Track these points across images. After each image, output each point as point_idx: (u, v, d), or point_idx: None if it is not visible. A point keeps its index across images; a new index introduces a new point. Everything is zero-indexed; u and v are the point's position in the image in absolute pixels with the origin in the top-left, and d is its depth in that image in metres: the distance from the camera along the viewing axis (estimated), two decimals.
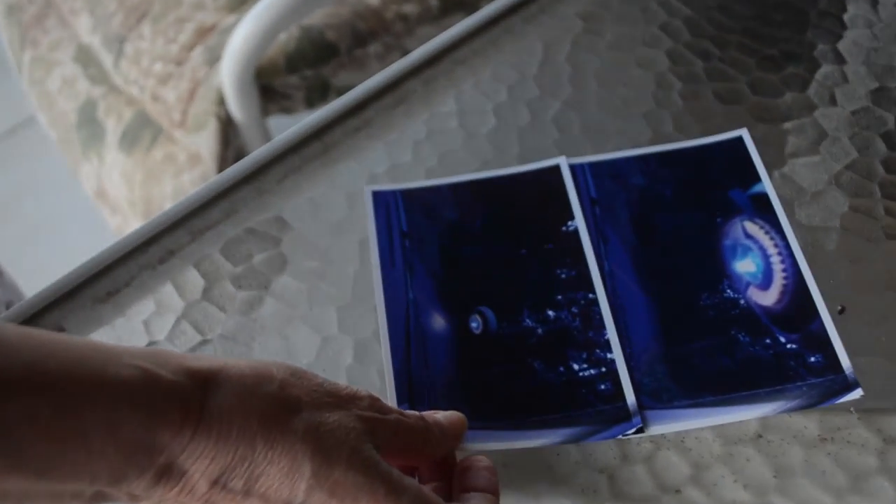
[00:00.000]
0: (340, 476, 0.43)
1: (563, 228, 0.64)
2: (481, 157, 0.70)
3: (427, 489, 0.47)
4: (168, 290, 0.65)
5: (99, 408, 0.39)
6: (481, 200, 0.67)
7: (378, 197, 0.67)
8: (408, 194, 0.67)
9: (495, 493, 0.49)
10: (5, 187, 1.89)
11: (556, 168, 0.67)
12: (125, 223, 1.30)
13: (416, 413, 0.50)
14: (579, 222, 0.64)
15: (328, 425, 0.44)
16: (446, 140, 0.71)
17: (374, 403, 0.48)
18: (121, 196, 1.26)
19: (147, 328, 0.63)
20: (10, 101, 2.06)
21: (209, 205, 0.69)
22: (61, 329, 0.64)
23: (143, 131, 1.22)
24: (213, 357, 0.45)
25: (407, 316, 0.61)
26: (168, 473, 0.41)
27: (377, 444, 0.45)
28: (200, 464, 0.41)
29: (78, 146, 1.31)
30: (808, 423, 0.55)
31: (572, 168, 0.67)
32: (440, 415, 0.52)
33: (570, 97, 0.73)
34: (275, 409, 0.43)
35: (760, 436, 0.55)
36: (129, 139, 1.23)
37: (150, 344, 0.63)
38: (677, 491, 0.54)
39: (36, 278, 0.99)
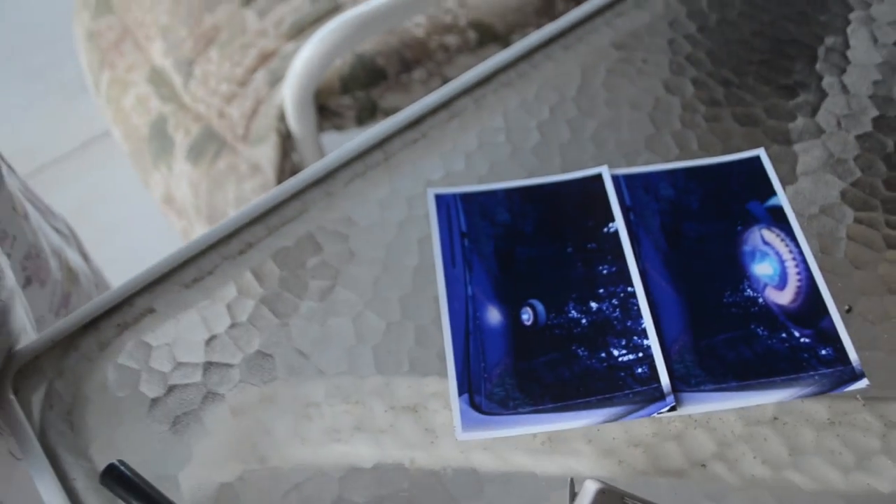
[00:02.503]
0: None
1: (605, 230, 0.64)
2: (527, 168, 0.70)
3: None
4: (248, 278, 0.65)
5: None
6: (532, 204, 0.67)
7: (440, 199, 0.67)
8: (466, 197, 0.67)
9: None
10: (79, 195, 1.90)
11: (599, 176, 0.67)
12: (190, 226, 1.30)
13: None
14: (619, 224, 0.64)
15: None
16: (495, 152, 0.71)
17: None
18: (187, 202, 1.27)
19: (230, 311, 0.64)
20: (84, 118, 2.07)
21: (284, 204, 0.69)
22: (152, 310, 0.64)
23: (208, 144, 1.23)
24: None
25: (466, 309, 0.61)
26: None
27: None
28: None
29: (149, 157, 1.32)
30: (819, 408, 0.56)
31: (612, 177, 0.68)
32: None
33: (605, 117, 0.73)
34: None
35: (776, 418, 0.56)
36: (196, 151, 1.23)
37: (233, 325, 0.63)
38: (703, 465, 0.54)
39: (107, 275, 1.00)
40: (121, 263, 0.99)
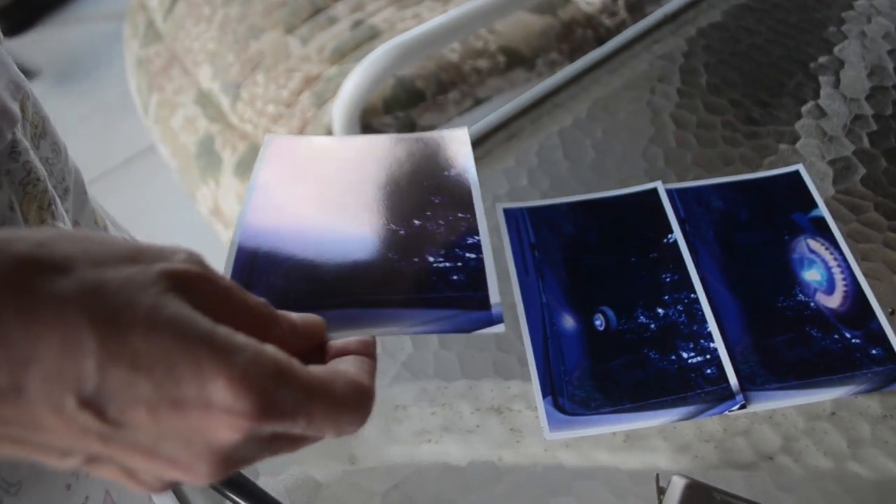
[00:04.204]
0: (140, 342, 0.26)
1: (665, 241, 0.63)
2: (585, 183, 0.69)
3: (272, 347, 0.29)
4: None
5: None
6: (594, 217, 0.66)
7: (508, 213, 0.66)
8: (533, 211, 0.66)
9: (371, 358, 0.36)
10: (123, 207, 1.88)
11: (654, 191, 0.67)
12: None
13: (262, 300, 0.33)
14: (677, 235, 0.64)
15: (113, 282, 0.27)
16: (555, 168, 0.71)
17: (193, 258, 0.31)
18: (234, 214, 1.25)
19: None
20: (126, 137, 2.06)
21: None
22: None
23: (255, 160, 1.21)
24: None
25: (542, 316, 0.60)
26: None
27: (196, 306, 0.29)
28: None
29: (196, 173, 1.31)
30: (872, 403, 0.55)
31: (666, 191, 0.67)
32: (295, 315, 0.35)
33: (652, 135, 0.72)
34: (30, 272, 0.26)
35: (834, 413, 0.55)
36: (243, 167, 1.22)
37: None
38: (771, 458, 0.53)
39: None
40: None
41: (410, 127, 1.12)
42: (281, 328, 0.33)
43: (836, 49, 0.79)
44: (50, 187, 0.54)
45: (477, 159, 0.71)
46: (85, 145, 2.08)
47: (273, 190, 0.51)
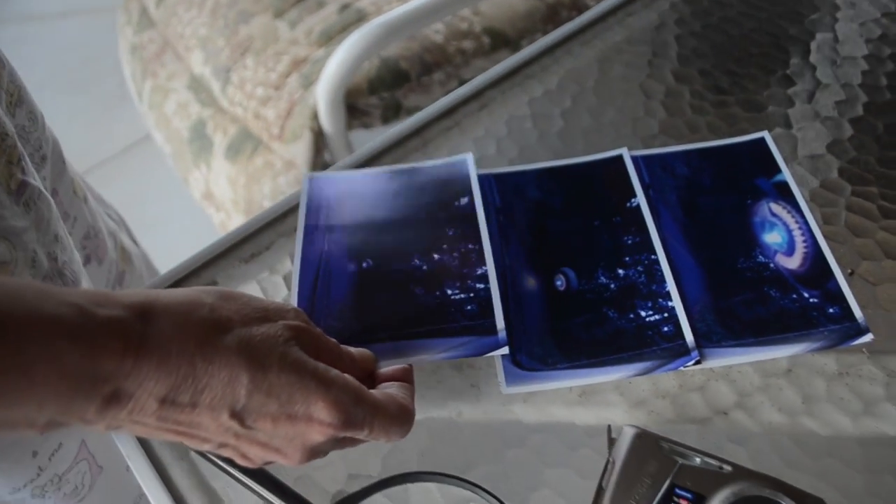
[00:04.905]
0: (274, 378, 0.40)
1: (628, 205, 0.64)
2: (553, 151, 0.70)
3: (353, 379, 0.44)
4: None
5: (37, 341, 0.34)
6: (560, 183, 0.66)
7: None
8: (499, 178, 0.67)
9: (410, 383, 0.48)
10: (121, 195, 1.89)
11: (620, 157, 0.67)
12: (228, 219, 1.30)
13: (334, 340, 0.47)
14: (640, 199, 0.64)
15: (258, 337, 0.41)
16: (523, 137, 0.71)
17: (300, 315, 0.45)
18: (225, 197, 1.26)
19: (286, 281, 0.64)
20: (124, 126, 2.07)
21: None
22: (214, 283, 0.64)
23: (245, 143, 1.22)
24: (146, 290, 0.41)
25: (504, 277, 0.61)
26: (116, 398, 0.36)
27: (303, 349, 0.43)
28: (146, 386, 0.37)
29: (189, 157, 1.32)
30: (828, 361, 0.56)
31: (632, 158, 0.67)
32: (354, 350, 0.49)
33: (621, 105, 0.73)
34: (208, 330, 0.39)
35: (790, 370, 0.56)
36: (234, 150, 1.23)
37: (288, 296, 0.63)
38: (725, 413, 0.54)
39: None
40: (163, 257, 0.99)
41: (395, 108, 1.13)
42: (344, 362, 0.46)
43: (806, 21, 0.79)
44: (19, 145, 0.55)
45: (447, 129, 0.72)
46: (83, 136, 2.10)
47: (316, 236, 0.63)
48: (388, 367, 0.49)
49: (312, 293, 0.59)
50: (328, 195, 0.66)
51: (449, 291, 0.57)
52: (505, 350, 0.54)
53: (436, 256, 0.60)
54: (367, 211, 0.64)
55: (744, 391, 0.55)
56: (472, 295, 0.57)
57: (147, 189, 1.94)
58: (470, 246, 0.60)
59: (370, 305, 0.57)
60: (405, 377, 0.48)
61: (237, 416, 0.39)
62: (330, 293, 0.59)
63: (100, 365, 0.35)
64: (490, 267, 0.59)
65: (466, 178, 0.65)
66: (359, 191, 0.66)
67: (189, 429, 0.39)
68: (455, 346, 0.55)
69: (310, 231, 0.63)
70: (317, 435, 0.42)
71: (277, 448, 0.42)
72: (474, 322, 0.56)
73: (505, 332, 0.55)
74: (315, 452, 0.43)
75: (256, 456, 0.42)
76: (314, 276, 0.60)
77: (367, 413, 0.43)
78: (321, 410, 0.41)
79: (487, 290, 0.57)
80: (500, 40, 1.17)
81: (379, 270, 0.60)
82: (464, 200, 0.63)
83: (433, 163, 0.68)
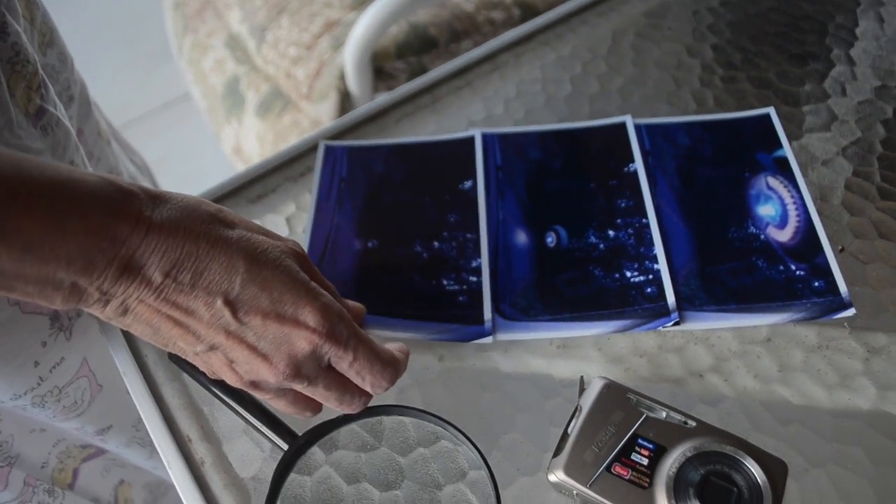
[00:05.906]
0: (269, 273, 0.42)
1: (625, 169, 0.65)
2: (559, 115, 0.71)
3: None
4: (306, 197, 0.67)
5: (68, 197, 0.37)
6: (561, 145, 0.67)
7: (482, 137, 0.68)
8: (503, 137, 0.68)
9: (406, 355, 0.49)
10: (158, 149, 1.94)
11: (623, 124, 0.68)
12: None
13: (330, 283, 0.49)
14: (638, 165, 0.65)
15: (259, 241, 0.43)
16: (531, 100, 0.72)
17: (299, 247, 0.47)
18: (254, 152, 1.29)
19: (288, 223, 0.65)
20: (165, 82, 2.11)
21: (339, 136, 0.71)
22: None
23: (275, 101, 1.24)
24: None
25: (497, 231, 0.62)
26: (129, 267, 0.39)
27: (300, 269, 0.45)
28: (154, 257, 0.39)
29: (222, 113, 1.34)
30: (809, 333, 0.56)
31: (634, 126, 0.68)
32: (348, 301, 0.52)
33: (631, 75, 0.73)
34: (213, 221, 0.42)
35: (770, 339, 0.56)
36: (264, 107, 1.25)
37: (290, 235, 0.65)
38: (701, 375, 0.55)
39: None
40: None
41: (422, 73, 1.14)
42: (336, 299, 0.47)
43: (826, 5, 0.79)
44: (42, 75, 0.57)
45: (458, 88, 0.73)
46: (125, 90, 2.14)
47: (327, 208, 0.65)
48: (389, 343, 0.50)
49: (319, 266, 0.61)
50: (340, 167, 0.68)
51: (444, 282, 0.59)
52: (489, 340, 0.56)
53: (435, 244, 0.62)
54: (374, 189, 0.66)
55: (721, 356, 0.56)
56: (464, 287, 0.59)
57: (183, 145, 1.97)
58: (468, 235, 0.62)
59: (370, 285, 0.60)
60: (402, 350, 0.50)
61: (230, 304, 0.41)
62: (335, 268, 0.61)
63: (119, 225, 0.38)
64: (484, 260, 0.60)
65: (472, 161, 0.66)
66: (369, 166, 0.67)
67: (185, 316, 0.41)
68: (444, 331, 0.57)
69: (322, 201, 0.65)
70: (303, 342, 0.43)
71: (265, 354, 0.43)
72: (464, 311, 0.58)
73: (491, 324, 0.57)
74: (298, 366, 0.43)
75: (242, 363, 0.43)
76: (322, 251, 0.62)
77: (352, 333, 0.44)
78: (308, 314, 0.42)
79: (479, 283, 0.59)
80: (531, 12, 1.17)
81: (382, 252, 0.62)
82: (467, 184, 0.65)
83: (442, 138, 0.69)
